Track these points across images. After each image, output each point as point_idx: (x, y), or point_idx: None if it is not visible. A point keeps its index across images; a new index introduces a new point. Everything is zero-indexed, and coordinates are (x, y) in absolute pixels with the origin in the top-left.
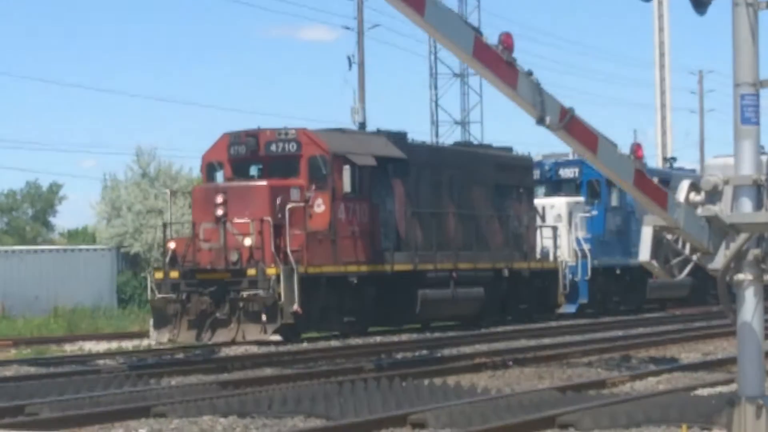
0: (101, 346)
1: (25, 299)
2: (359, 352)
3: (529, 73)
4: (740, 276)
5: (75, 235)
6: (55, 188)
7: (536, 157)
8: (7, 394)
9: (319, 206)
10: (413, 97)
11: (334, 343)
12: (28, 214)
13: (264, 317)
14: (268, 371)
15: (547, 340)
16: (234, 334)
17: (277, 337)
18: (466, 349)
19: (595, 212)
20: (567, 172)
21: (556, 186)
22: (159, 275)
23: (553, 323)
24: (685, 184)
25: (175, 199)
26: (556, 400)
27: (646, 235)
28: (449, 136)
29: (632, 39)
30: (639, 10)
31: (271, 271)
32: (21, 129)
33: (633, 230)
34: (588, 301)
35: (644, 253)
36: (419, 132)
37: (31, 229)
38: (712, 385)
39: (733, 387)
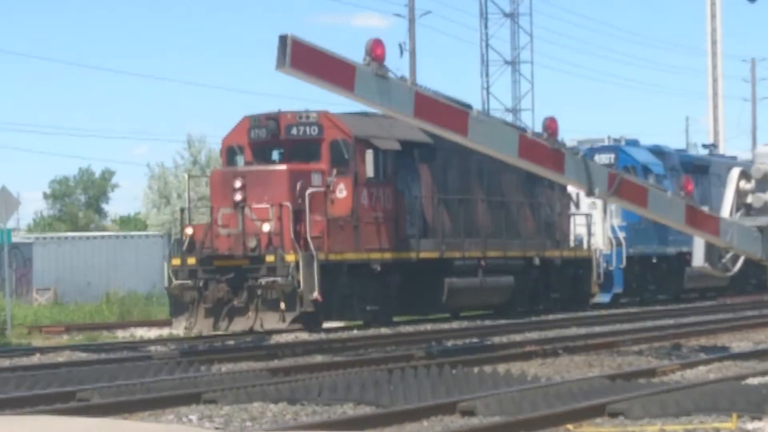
0: (152, 333)
1: (77, 286)
2: (409, 340)
3: (575, 152)
4: None
5: (127, 222)
6: (107, 175)
7: (570, 142)
8: (59, 380)
9: (341, 191)
10: (464, 85)
11: (384, 330)
12: (81, 201)
13: (283, 305)
14: (318, 358)
15: (597, 329)
16: (252, 323)
17: (296, 326)
18: (517, 337)
19: None
20: (602, 158)
21: None
22: (176, 262)
23: (604, 311)
24: (735, 173)
25: (195, 185)
26: (606, 388)
27: (698, 243)
28: (500, 114)
29: (684, 27)
30: None
31: (290, 257)
32: (74, 116)
33: None
34: (623, 290)
35: (698, 259)
36: None
37: (83, 216)
38: (763, 374)
39: None
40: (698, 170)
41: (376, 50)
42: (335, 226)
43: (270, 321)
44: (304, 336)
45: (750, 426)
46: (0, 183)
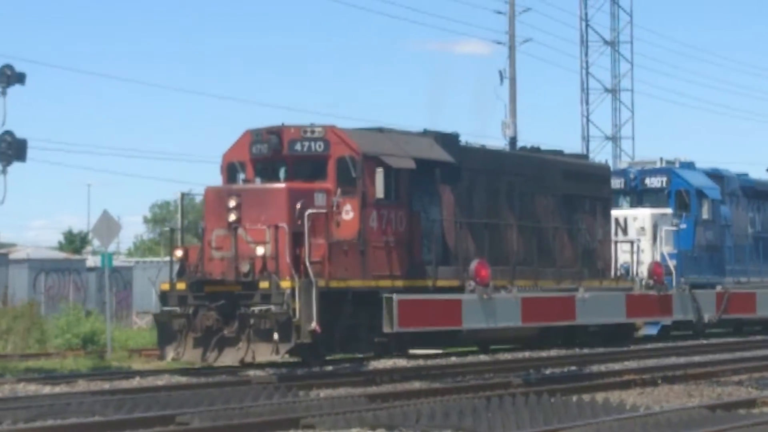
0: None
1: None
2: (507, 367)
3: (682, 289)
4: None
5: None
6: None
7: (621, 164)
8: (158, 404)
9: (348, 213)
10: (564, 112)
11: (483, 357)
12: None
13: (276, 336)
14: (416, 385)
15: (696, 358)
16: (243, 354)
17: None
18: (615, 366)
19: (683, 225)
20: (653, 181)
21: (640, 196)
22: (165, 287)
23: (703, 341)
24: None
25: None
26: (705, 418)
27: None
28: (600, 152)
29: None
30: None
31: (285, 284)
32: (175, 140)
33: (727, 246)
34: (673, 323)
35: None
36: (570, 148)
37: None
38: None
39: None
40: (761, 196)
41: (480, 272)
42: (339, 250)
43: (262, 353)
44: (403, 362)
45: None
46: (102, 207)
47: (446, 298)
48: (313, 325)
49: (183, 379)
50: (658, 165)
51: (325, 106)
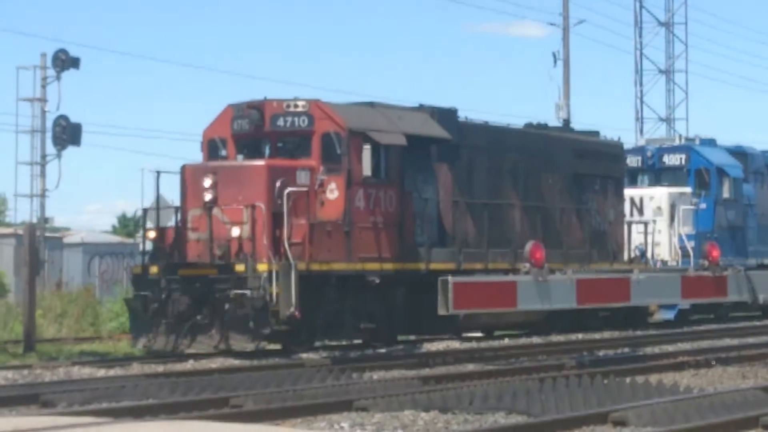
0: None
1: None
2: (561, 349)
3: (737, 271)
4: None
5: None
6: None
7: (639, 141)
8: (212, 386)
9: (332, 192)
10: (618, 94)
11: (536, 339)
12: None
13: (251, 323)
14: (469, 367)
15: (751, 339)
16: (216, 342)
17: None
18: (669, 348)
19: (703, 205)
20: (672, 159)
21: (659, 175)
22: (137, 270)
23: (757, 322)
24: None
25: None
26: (760, 400)
27: None
28: (654, 133)
29: None
30: None
31: (262, 266)
32: None
33: (750, 227)
34: (692, 306)
35: None
36: (624, 129)
37: None
38: None
39: None
40: None
41: (535, 254)
42: (321, 231)
43: (237, 340)
44: (456, 345)
45: None
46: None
47: (501, 280)
48: (292, 310)
49: (236, 362)
50: (677, 142)
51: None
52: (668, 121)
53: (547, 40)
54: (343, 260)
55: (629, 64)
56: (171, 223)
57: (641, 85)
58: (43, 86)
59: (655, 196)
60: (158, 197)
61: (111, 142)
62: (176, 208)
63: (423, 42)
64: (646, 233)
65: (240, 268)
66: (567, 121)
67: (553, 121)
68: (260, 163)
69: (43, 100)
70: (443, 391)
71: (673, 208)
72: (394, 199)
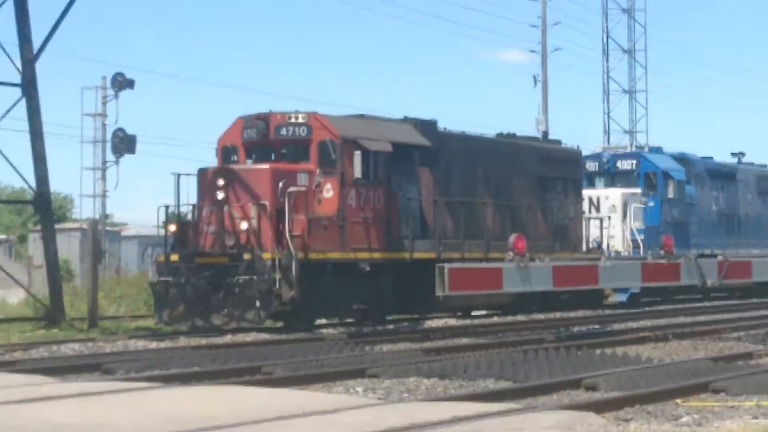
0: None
1: None
2: (541, 326)
3: (688, 259)
4: None
5: None
6: None
7: (596, 149)
8: (247, 357)
9: (328, 191)
10: (589, 110)
11: (520, 317)
12: None
13: (258, 303)
14: (464, 340)
15: (702, 317)
16: (228, 320)
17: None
18: (633, 324)
19: (651, 203)
20: (624, 164)
21: (613, 178)
22: (160, 258)
23: (708, 303)
24: None
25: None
26: (709, 369)
27: None
28: (619, 143)
29: None
30: None
31: (267, 255)
32: None
33: (692, 222)
34: (641, 290)
35: None
36: (594, 140)
37: None
38: None
39: None
40: (724, 177)
41: (518, 244)
42: (318, 225)
43: (246, 318)
44: (452, 322)
45: None
46: None
47: (490, 266)
48: (292, 293)
49: (267, 336)
50: (629, 150)
51: (398, 107)
52: (631, 133)
53: (529, 64)
54: (338, 250)
55: (598, 85)
56: (189, 218)
57: (608, 103)
58: (104, 103)
59: (610, 196)
60: (178, 196)
61: (161, 150)
62: (193, 205)
63: (424, 65)
64: (602, 228)
65: (248, 256)
66: (545, 133)
67: (533, 132)
68: (265, 166)
69: (104, 115)
70: (442, 361)
71: (625, 206)
72: (381, 198)
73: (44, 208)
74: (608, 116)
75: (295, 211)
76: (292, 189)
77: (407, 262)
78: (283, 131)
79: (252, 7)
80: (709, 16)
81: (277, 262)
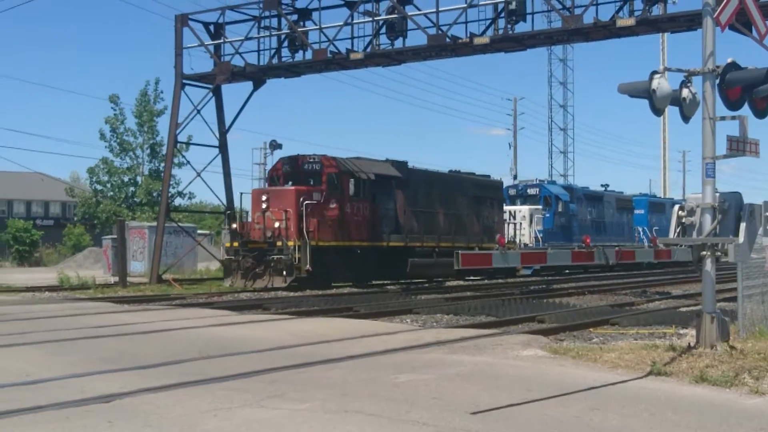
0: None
1: None
2: (512, 285)
3: (600, 248)
4: (704, 252)
5: None
6: None
7: (516, 181)
8: (345, 300)
9: (333, 204)
10: (540, 161)
11: (499, 280)
12: None
13: (285, 272)
14: (468, 293)
15: (604, 282)
16: (266, 283)
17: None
18: (564, 285)
19: (547, 215)
20: (532, 191)
21: (524, 199)
22: (227, 244)
23: (601, 273)
24: (676, 207)
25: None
26: (609, 311)
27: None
28: (557, 178)
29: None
30: None
31: (291, 243)
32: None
33: (574, 226)
34: (540, 268)
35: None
36: (543, 178)
37: None
38: (688, 306)
39: (698, 307)
40: (595, 199)
41: (500, 240)
42: (325, 225)
43: (277, 282)
44: (461, 282)
45: (682, 331)
46: None
47: (485, 252)
48: (307, 266)
49: (355, 289)
50: (535, 182)
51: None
52: (564, 175)
53: (506, 136)
54: (339, 240)
55: (545, 146)
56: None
57: (551, 158)
58: (264, 156)
59: (522, 210)
60: (241, 206)
61: None
62: (247, 212)
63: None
64: (515, 230)
65: (279, 243)
66: (515, 176)
67: (508, 174)
68: (291, 188)
69: (264, 164)
70: (455, 304)
71: (531, 216)
72: (368, 209)
73: (230, 215)
74: (551, 165)
75: (310, 216)
76: (308, 202)
77: (385, 248)
78: (306, 166)
79: (302, 86)
80: (613, 108)
81: (297, 247)
